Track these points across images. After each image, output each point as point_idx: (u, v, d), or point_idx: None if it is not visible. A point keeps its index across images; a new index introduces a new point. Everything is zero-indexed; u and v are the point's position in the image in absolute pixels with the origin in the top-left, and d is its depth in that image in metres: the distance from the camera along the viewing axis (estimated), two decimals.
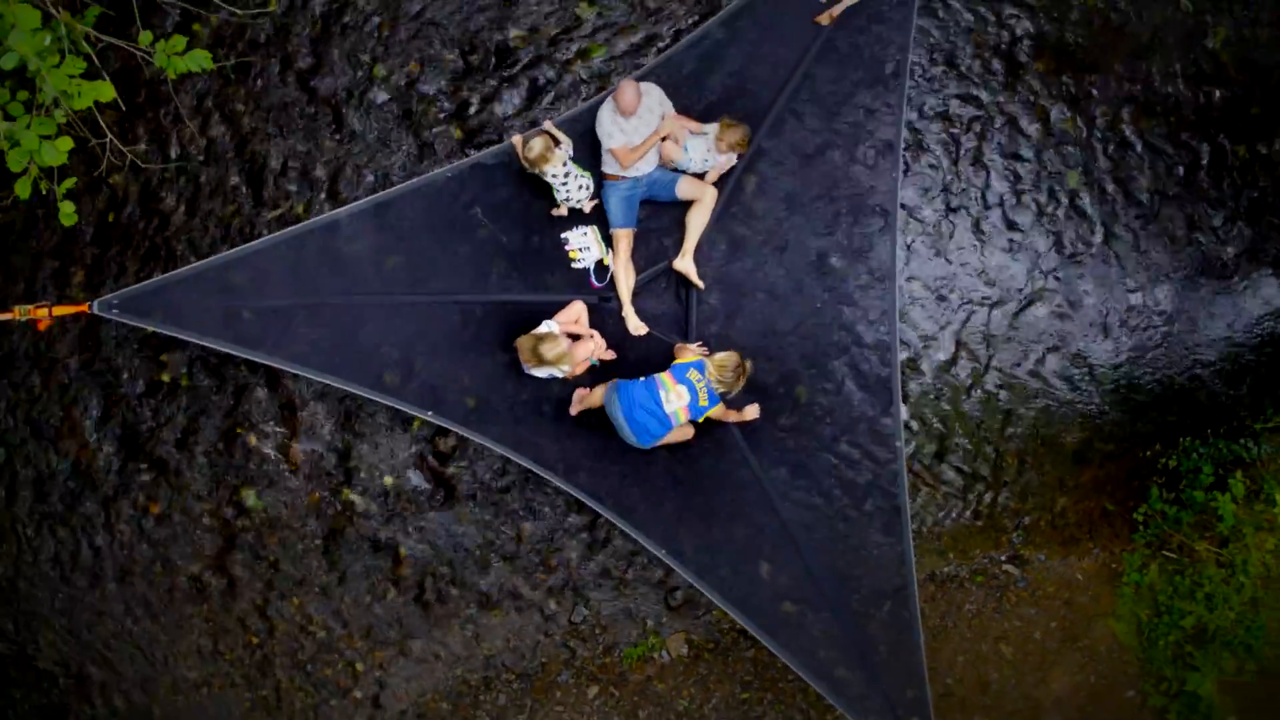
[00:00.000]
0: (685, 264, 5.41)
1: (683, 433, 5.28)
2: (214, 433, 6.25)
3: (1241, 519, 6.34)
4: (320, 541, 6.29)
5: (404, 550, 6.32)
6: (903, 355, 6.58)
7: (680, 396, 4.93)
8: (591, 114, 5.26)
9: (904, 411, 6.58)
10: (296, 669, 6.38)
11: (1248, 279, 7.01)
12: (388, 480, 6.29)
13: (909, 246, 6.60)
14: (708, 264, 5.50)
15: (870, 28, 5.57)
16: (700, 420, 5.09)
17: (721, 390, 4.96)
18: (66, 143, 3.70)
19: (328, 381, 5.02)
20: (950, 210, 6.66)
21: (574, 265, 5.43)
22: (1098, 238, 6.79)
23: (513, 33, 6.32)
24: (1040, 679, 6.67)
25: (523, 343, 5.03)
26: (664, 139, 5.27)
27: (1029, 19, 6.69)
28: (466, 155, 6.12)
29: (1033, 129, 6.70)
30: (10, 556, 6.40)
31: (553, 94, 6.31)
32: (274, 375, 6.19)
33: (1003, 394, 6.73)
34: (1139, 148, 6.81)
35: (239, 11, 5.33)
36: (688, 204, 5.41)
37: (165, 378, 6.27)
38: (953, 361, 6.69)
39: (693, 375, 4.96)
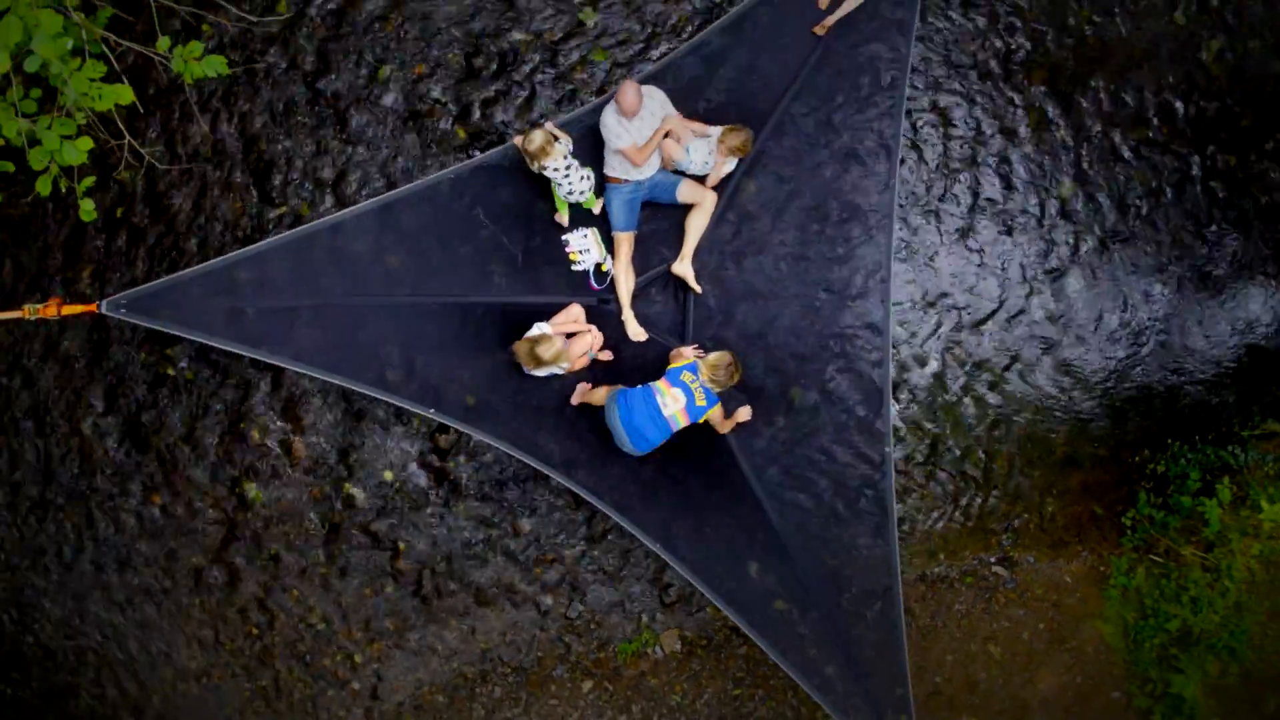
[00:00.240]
0: (684, 267, 5.48)
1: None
2: (217, 426, 6.34)
3: (1227, 524, 6.40)
4: (321, 535, 6.38)
5: (403, 545, 6.41)
6: (895, 359, 6.66)
7: (676, 399, 5.00)
8: (592, 116, 5.31)
9: (895, 415, 6.67)
10: (296, 660, 6.47)
11: (1237, 288, 7.08)
12: (388, 475, 6.37)
13: (903, 252, 6.67)
14: (706, 268, 5.57)
15: (869, 37, 5.63)
16: (700, 421, 5.14)
17: (717, 390, 5.02)
18: (86, 143, 3.78)
19: (330, 379, 5.08)
20: (944, 217, 6.73)
21: (574, 268, 5.50)
22: (1089, 246, 6.86)
23: (516, 37, 6.39)
24: (1028, 679, 6.73)
25: (519, 348, 5.09)
26: (667, 135, 5.31)
27: (1025, 30, 6.76)
28: (470, 156, 6.19)
29: (1026, 138, 6.78)
30: (14, 544, 6.50)
31: (555, 98, 6.39)
32: (277, 371, 6.27)
33: (993, 398, 6.81)
34: (1131, 158, 6.89)
35: (254, 19, 5.41)
36: (687, 207, 5.48)
37: (170, 371, 6.36)
38: (944, 366, 6.76)
39: (686, 377, 5.03)
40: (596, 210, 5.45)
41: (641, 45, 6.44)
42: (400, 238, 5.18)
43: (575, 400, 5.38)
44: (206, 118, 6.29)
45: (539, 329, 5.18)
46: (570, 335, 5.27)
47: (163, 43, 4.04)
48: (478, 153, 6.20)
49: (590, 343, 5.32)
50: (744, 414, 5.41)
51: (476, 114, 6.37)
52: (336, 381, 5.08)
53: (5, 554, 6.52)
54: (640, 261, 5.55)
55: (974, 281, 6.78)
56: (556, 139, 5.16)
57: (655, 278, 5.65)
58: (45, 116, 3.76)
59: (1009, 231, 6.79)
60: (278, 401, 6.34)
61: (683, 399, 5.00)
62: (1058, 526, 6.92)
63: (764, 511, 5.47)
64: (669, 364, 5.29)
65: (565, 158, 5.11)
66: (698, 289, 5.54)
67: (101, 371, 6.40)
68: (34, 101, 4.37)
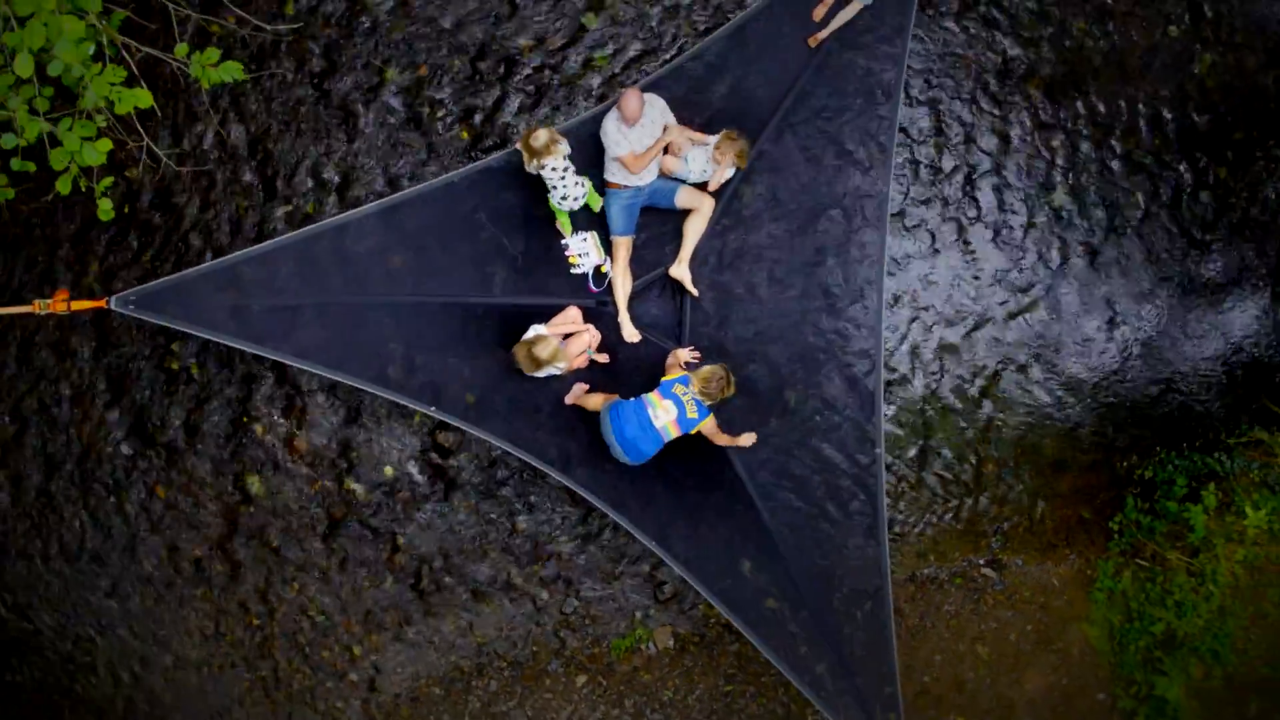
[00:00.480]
0: (681, 270, 5.57)
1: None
2: (221, 421, 6.43)
3: (1212, 530, 6.49)
4: (321, 529, 6.46)
5: (402, 539, 6.49)
6: (888, 363, 6.75)
7: (668, 411, 5.04)
8: (593, 123, 5.39)
9: (888, 418, 6.76)
10: (295, 651, 6.55)
11: (1227, 298, 7.17)
12: (388, 471, 6.46)
13: (897, 258, 6.76)
14: (703, 271, 5.66)
15: (866, 46, 5.73)
16: (693, 433, 5.18)
17: (708, 402, 5.06)
18: (106, 144, 3.89)
19: (333, 376, 5.17)
20: (938, 224, 6.82)
21: (573, 270, 5.58)
22: (1081, 254, 6.95)
23: (520, 41, 6.48)
24: (1014, 679, 6.81)
25: (517, 351, 5.15)
26: (665, 149, 5.42)
27: (1021, 41, 6.85)
28: (473, 158, 6.28)
29: (1020, 147, 6.86)
30: (20, 534, 6.58)
31: (558, 102, 6.47)
32: (281, 367, 6.35)
33: (985, 403, 6.90)
34: (1124, 168, 6.98)
35: (267, 27, 5.50)
36: (685, 212, 5.57)
37: (175, 367, 6.45)
38: (936, 371, 6.85)
39: (678, 390, 5.07)
40: (597, 208, 5.51)
41: (643, 52, 6.53)
42: (403, 238, 5.26)
43: (569, 400, 5.45)
44: (214, 118, 6.38)
45: (535, 330, 5.25)
46: (568, 335, 5.35)
47: (181, 49, 4.14)
48: (481, 155, 6.28)
49: (588, 341, 5.39)
50: (746, 440, 5.42)
51: (479, 117, 6.45)
52: (339, 378, 5.16)
53: (9, 544, 6.60)
54: (638, 265, 5.63)
55: (967, 287, 6.86)
56: (558, 140, 5.24)
57: (653, 281, 5.73)
58: (66, 119, 3.87)
59: (1002, 239, 6.88)
60: (281, 397, 6.42)
61: (674, 411, 5.04)
62: (1046, 530, 7.00)
63: (757, 511, 5.56)
64: (664, 373, 5.38)
65: (564, 159, 5.17)
66: (694, 292, 5.63)
67: (107, 366, 6.48)
68: (46, 100, 4.47)
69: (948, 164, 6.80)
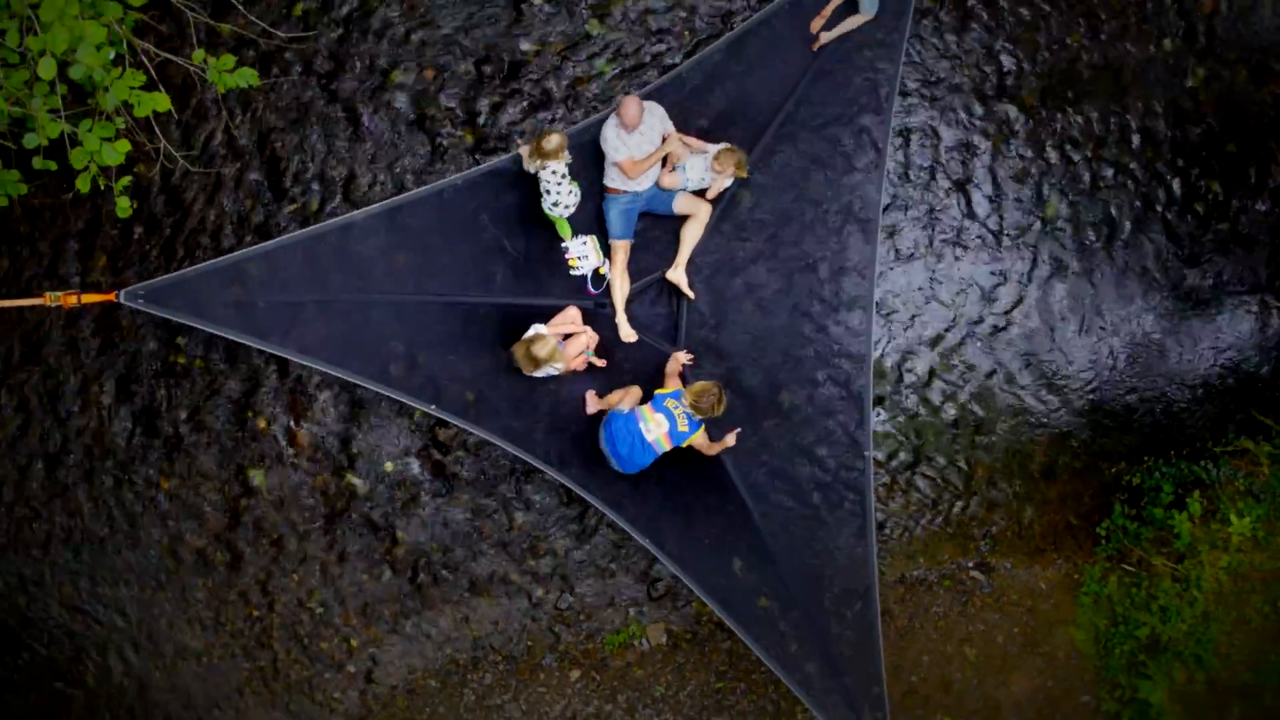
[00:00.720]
0: (678, 274, 5.66)
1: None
2: (225, 414, 6.52)
3: (1197, 537, 6.54)
4: (322, 522, 6.55)
5: (401, 533, 6.57)
6: (882, 368, 6.83)
7: (660, 425, 5.16)
8: (594, 129, 5.47)
9: (880, 422, 6.84)
10: (294, 642, 6.62)
11: (1216, 309, 7.25)
12: (388, 467, 6.55)
13: (892, 264, 6.84)
14: (699, 275, 5.75)
15: (863, 56, 5.83)
16: (684, 445, 5.27)
17: (699, 417, 5.16)
18: (124, 145, 3.99)
19: (335, 373, 5.24)
20: (932, 231, 6.90)
21: (572, 272, 5.68)
22: (1073, 263, 7.03)
23: (525, 46, 6.57)
24: (1001, 681, 6.87)
25: (516, 350, 5.23)
26: (663, 161, 5.50)
27: (1016, 52, 6.93)
28: (476, 160, 6.36)
29: (1015, 157, 6.94)
30: (24, 522, 6.66)
31: (560, 106, 6.55)
32: (284, 363, 6.44)
33: (976, 409, 6.98)
34: (1117, 179, 7.06)
35: (281, 34, 5.59)
36: (683, 218, 5.66)
37: (180, 361, 6.53)
38: (930, 375, 6.93)
39: (670, 404, 5.18)
40: (567, 237, 5.57)
41: (645, 59, 6.61)
42: (406, 238, 5.33)
43: (591, 410, 5.52)
44: (223, 118, 6.46)
45: (535, 330, 5.33)
46: (567, 336, 5.43)
47: (198, 55, 4.25)
48: (484, 157, 6.37)
49: (586, 342, 5.46)
50: (730, 439, 5.53)
51: (484, 119, 6.53)
52: (341, 375, 5.23)
53: (14, 531, 6.68)
54: (636, 268, 5.72)
55: (960, 294, 6.94)
56: (567, 147, 5.30)
57: (651, 283, 5.82)
58: (87, 120, 3.97)
59: (994, 248, 6.96)
60: (284, 392, 6.51)
61: (665, 425, 5.15)
62: (1035, 534, 7.07)
63: (749, 511, 5.64)
64: (663, 382, 5.45)
65: (565, 166, 5.25)
66: (691, 295, 5.72)
67: (114, 359, 6.56)
68: (59, 98, 4.57)
69: (941, 173, 6.88)
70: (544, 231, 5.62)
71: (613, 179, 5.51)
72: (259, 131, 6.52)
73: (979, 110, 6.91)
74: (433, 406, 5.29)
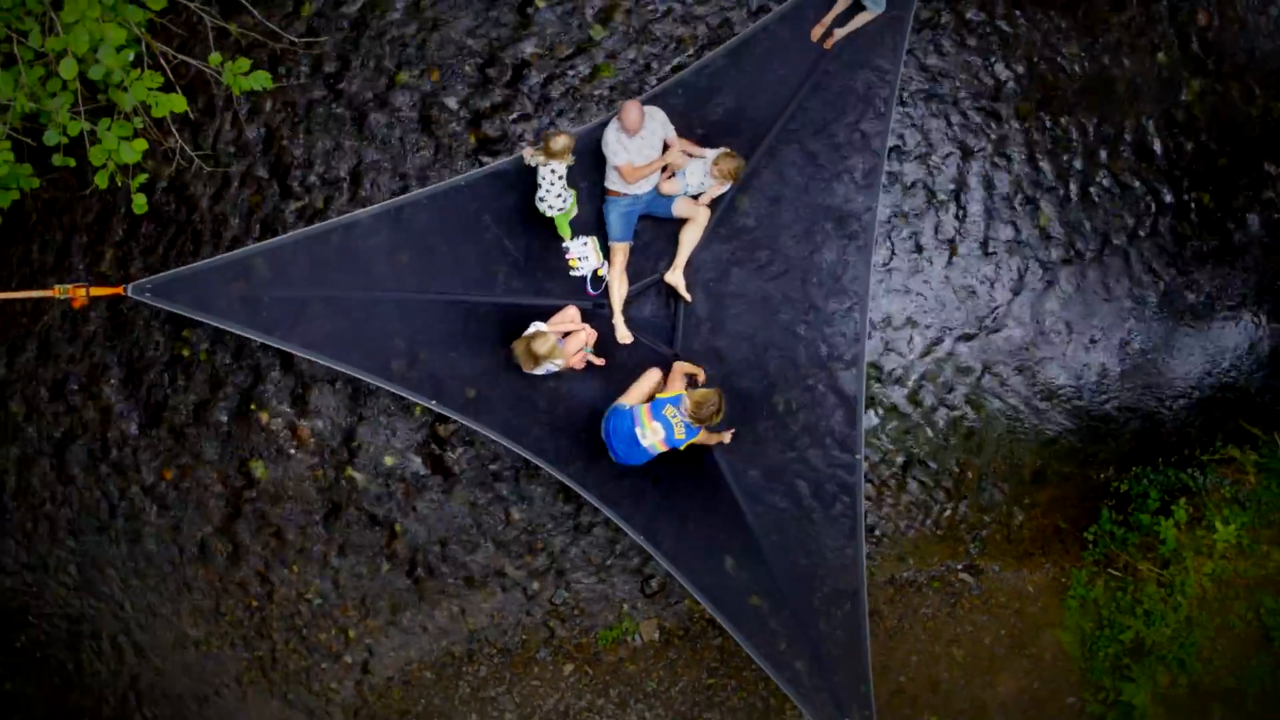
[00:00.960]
0: (676, 277, 5.74)
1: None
2: (228, 407, 6.59)
3: (1183, 543, 6.61)
4: (322, 514, 6.62)
5: (399, 527, 6.64)
6: (876, 372, 6.90)
7: (655, 432, 5.22)
8: (596, 132, 5.55)
9: (873, 426, 6.90)
10: (292, 632, 6.69)
11: (1207, 319, 7.32)
12: (388, 461, 6.61)
13: (888, 270, 6.90)
14: (697, 278, 5.83)
15: (862, 64, 5.90)
16: (681, 449, 5.35)
17: (697, 425, 5.20)
18: (141, 144, 4.10)
19: (338, 367, 5.35)
20: (927, 237, 6.96)
21: (572, 273, 5.76)
22: (1067, 272, 7.10)
23: (529, 49, 6.64)
24: (988, 682, 6.92)
25: (516, 347, 5.29)
26: (663, 170, 5.58)
27: (1013, 62, 7.00)
28: (480, 162, 6.43)
29: (1010, 166, 7.01)
30: (29, 510, 6.73)
31: (564, 109, 6.62)
32: (287, 357, 6.51)
33: (967, 414, 7.04)
34: (1111, 190, 7.13)
35: (295, 40, 5.68)
36: (682, 221, 5.73)
37: (185, 353, 6.61)
38: (923, 380, 6.99)
39: (668, 411, 5.21)
40: (573, 212, 5.64)
41: (648, 63, 6.68)
42: (410, 237, 5.42)
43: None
44: (230, 116, 6.55)
45: (535, 327, 5.40)
46: (566, 334, 5.49)
47: (214, 58, 4.35)
48: (487, 158, 6.43)
49: (585, 339, 5.53)
50: (727, 435, 5.64)
51: (487, 121, 6.60)
52: (344, 369, 5.33)
53: (19, 518, 6.75)
54: (635, 270, 5.79)
55: (953, 301, 7.00)
56: (571, 150, 5.37)
57: (649, 285, 5.90)
58: (105, 118, 4.07)
59: (989, 255, 7.02)
60: (287, 386, 6.57)
61: (662, 432, 5.21)
62: (1023, 538, 7.12)
63: (741, 511, 5.71)
64: (664, 385, 5.50)
65: (565, 169, 5.33)
66: (688, 298, 5.79)
67: (120, 350, 6.63)
68: (72, 94, 4.67)
69: (937, 181, 6.95)
70: (545, 232, 5.69)
71: (613, 182, 5.58)
72: (266, 130, 6.59)
73: (975, 119, 6.98)
74: (433, 402, 5.38)
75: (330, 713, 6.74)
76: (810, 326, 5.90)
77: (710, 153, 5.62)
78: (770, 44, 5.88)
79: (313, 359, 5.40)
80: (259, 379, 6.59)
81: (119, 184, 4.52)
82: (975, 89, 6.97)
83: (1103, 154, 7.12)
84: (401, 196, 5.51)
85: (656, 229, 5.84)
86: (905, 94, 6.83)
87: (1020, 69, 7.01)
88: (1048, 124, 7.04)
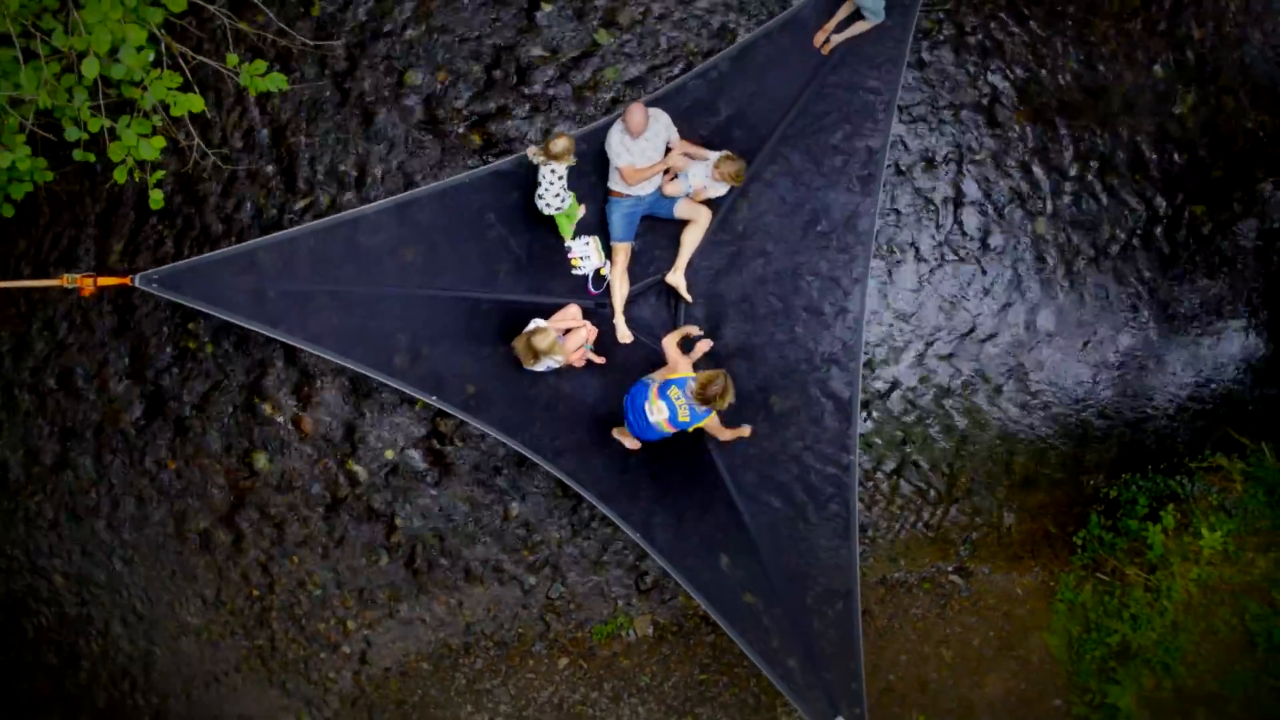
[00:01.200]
0: (677, 278, 5.82)
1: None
2: (232, 399, 6.66)
3: (1170, 549, 6.67)
4: (323, 507, 6.69)
5: (399, 520, 6.71)
6: (871, 377, 6.98)
7: (660, 411, 5.19)
8: (600, 134, 5.62)
9: (868, 428, 6.97)
10: (292, 622, 6.76)
11: (1198, 329, 7.39)
12: (389, 455, 6.69)
13: (884, 276, 6.99)
14: (697, 279, 5.90)
15: (864, 72, 5.97)
16: (690, 430, 5.31)
17: (702, 408, 5.14)
18: (160, 141, 4.19)
19: (342, 362, 5.39)
20: (924, 244, 7.05)
21: (574, 272, 5.83)
22: (1061, 280, 7.18)
23: (535, 52, 6.72)
24: (975, 682, 6.98)
25: (517, 343, 5.34)
26: (666, 172, 5.66)
27: (1011, 73, 7.09)
28: (485, 161, 6.50)
29: (1006, 175, 7.09)
30: (35, 498, 6.81)
31: (568, 111, 6.71)
32: (291, 351, 6.59)
33: (960, 419, 7.12)
34: (1105, 200, 7.21)
35: (309, 42, 5.76)
36: (684, 223, 5.81)
37: (191, 345, 6.69)
38: (916, 385, 7.07)
39: (673, 393, 5.16)
40: (573, 217, 5.69)
41: (651, 67, 6.76)
42: (415, 234, 5.46)
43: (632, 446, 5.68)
44: (236, 112, 6.62)
45: (536, 324, 5.45)
46: (567, 331, 5.55)
47: (231, 59, 4.45)
48: (492, 158, 6.50)
49: (586, 337, 5.58)
50: (745, 430, 5.66)
51: (492, 122, 6.68)
52: (347, 364, 5.36)
53: (25, 506, 6.82)
54: (636, 270, 5.86)
55: (948, 307, 7.08)
56: (572, 152, 5.44)
57: (650, 286, 5.96)
58: (125, 116, 4.16)
59: (984, 262, 7.10)
60: (290, 379, 6.65)
61: (666, 411, 5.16)
62: (1013, 541, 7.19)
63: (738, 510, 5.77)
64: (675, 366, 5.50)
65: (565, 170, 5.38)
66: (689, 299, 5.87)
67: (127, 341, 6.71)
68: (85, 89, 4.75)
69: (935, 188, 7.03)
70: (548, 232, 5.75)
71: (617, 183, 5.65)
72: (275, 127, 6.67)
73: (972, 128, 7.06)
74: (434, 397, 5.42)
75: (328, 702, 6.81)
76: (806, 329, 5.97)
77: (712, 155, 5.68)
78: (772, 50, 5.94)
79: (316, 353, 5.43)
80: (263, 372, 6.66)
81: (136, 180, 4.60)
82: (973, 98, 7.05)
83: (1098, 165, 7.19)
84: (406, 193, 5.53)
85: (658, 230, 5.91)
86: (905, 102, 6.91)
87: (1017, 79, 7.09)
88: (1044, 134, 7.13)
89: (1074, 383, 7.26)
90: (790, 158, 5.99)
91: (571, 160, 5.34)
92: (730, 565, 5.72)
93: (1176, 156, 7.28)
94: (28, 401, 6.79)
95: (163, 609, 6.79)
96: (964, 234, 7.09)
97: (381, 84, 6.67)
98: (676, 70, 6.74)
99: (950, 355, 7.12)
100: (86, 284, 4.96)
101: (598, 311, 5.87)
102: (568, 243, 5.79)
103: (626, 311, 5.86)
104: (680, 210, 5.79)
